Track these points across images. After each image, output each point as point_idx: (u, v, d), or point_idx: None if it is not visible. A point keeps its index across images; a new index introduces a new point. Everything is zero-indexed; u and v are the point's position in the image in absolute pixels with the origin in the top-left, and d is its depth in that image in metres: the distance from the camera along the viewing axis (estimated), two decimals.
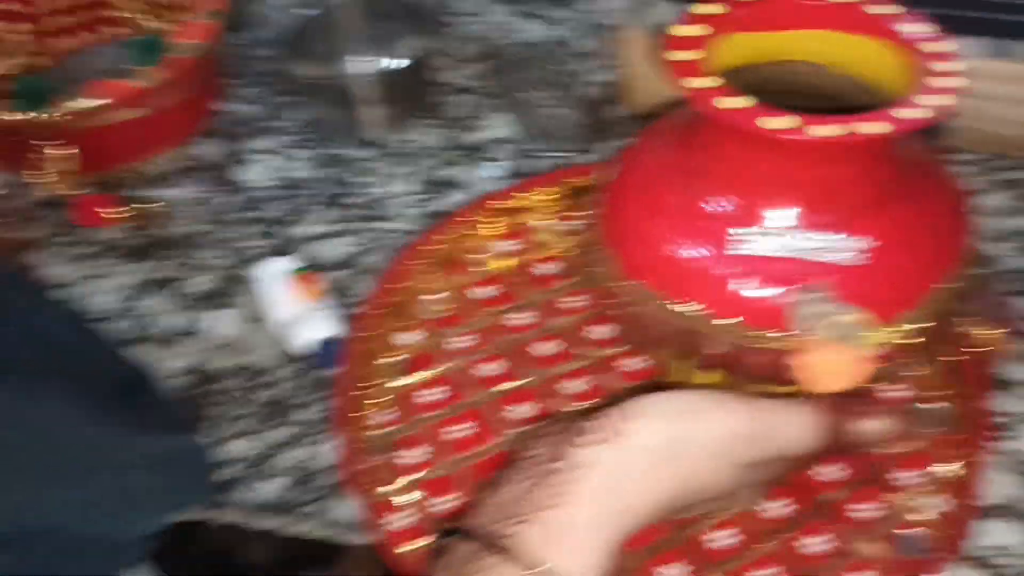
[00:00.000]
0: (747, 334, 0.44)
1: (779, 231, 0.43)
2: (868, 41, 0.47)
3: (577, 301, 0.61)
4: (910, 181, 0.45)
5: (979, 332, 0.56)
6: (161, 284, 0.65)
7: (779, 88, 0.51)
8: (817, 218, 0.43)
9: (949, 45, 0.44)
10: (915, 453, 0.53)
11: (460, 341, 0.59)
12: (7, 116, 0.64)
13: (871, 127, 0.40)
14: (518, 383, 0.57)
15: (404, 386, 0.57)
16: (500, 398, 0.56)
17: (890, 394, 0.55)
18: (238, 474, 0.54)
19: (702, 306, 0.45)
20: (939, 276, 0.45)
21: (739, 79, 0.50)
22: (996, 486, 0.52)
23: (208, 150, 0.75)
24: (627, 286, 0.48)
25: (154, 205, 0.69)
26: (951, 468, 0.52)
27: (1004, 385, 0.56)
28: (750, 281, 0.44)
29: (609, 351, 0.58)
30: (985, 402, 0.54)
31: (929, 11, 0.61)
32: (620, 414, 0.40)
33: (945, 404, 0.54)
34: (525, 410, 0.56)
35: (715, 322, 0.44)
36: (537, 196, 0.65)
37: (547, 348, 0.59)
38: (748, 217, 0.44)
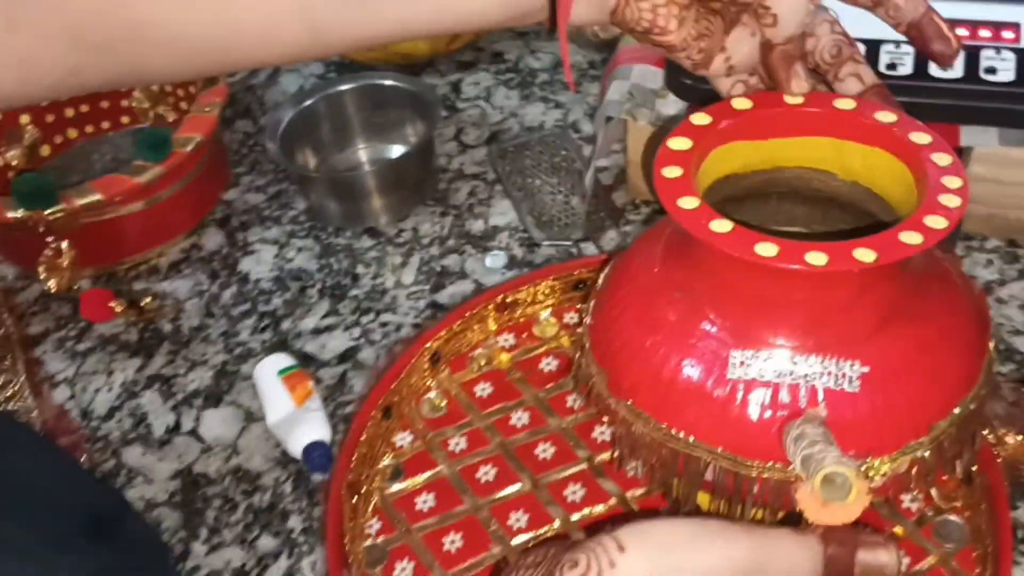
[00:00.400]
0: (743, 462, 0.42)
1: (776, 355, 0.41)
2: (872, 150, 0.45)
3: (577, 400, 0.59)
4: (917, 297, 0.43)
5: (1004, 437, 0.54)
6: (156, 381, 0.64)
7: (789, 193, 0.50)
8: (816, 342, 0.41)
9: (950, 159, 0.42)
10: (935, 571, 0.50)
11: (454, 443, 0.58)
12: (9, 214, 0.64)
13: (864, 255, 0.38)
14: (514, 489, 0.55)
15: (396, 492, 0.56)
16: (494, 506, 0.54)
17: (904, 506, 0.52)
18: None
19: (692, 430, 0.43)
20: (953, 398, 0.42)
21: (743, 184, 0.48)
22: None
23: (212, 240, 0.75)
24: (615, 403, 0.46)
25: (154, 300, 0.68)
26: None
27: None
28: (746, 407, 0.42)
29: (610, 454, 0.56)
30: (1008, 514, 0.51)
31: (936, 102, 0.59)
32: (614, 543, 0.38)
33: (963, 517, 0.52)
34: (521, 518, 0.54)
35: (708, 447, 0.43)
36: (538, 288, 0.63)
37: (545, 451, 0.57)
38: (744, 340, 0.42)
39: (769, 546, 0.39)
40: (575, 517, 0.53)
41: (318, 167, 0.79)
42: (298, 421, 0.57)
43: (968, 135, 0.63)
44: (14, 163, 0.74)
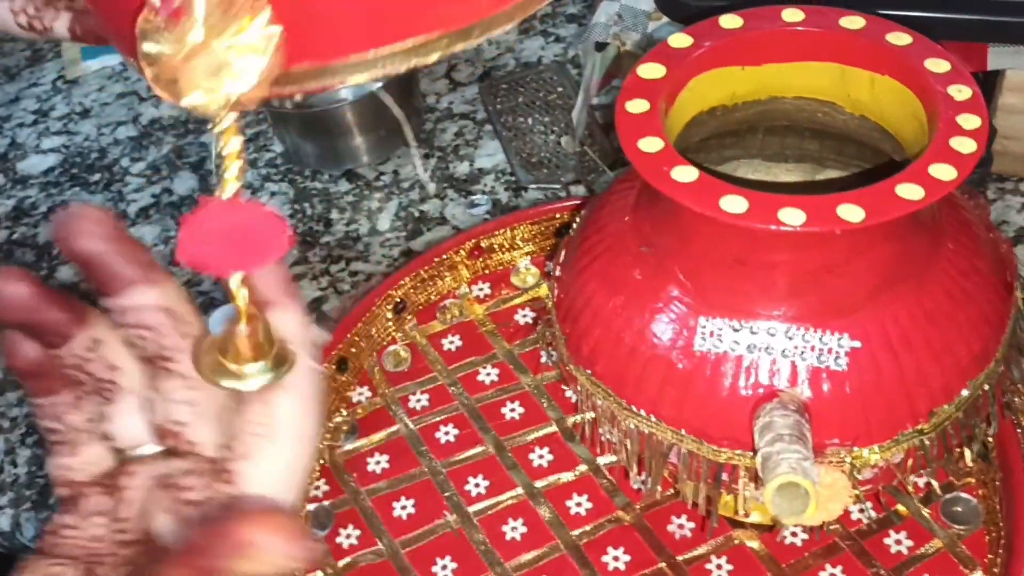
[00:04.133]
0: (710, 447, 0.36)
1: (751, 326, 0.35)
2: (881, 78, 0.38)
3: (552, 354, 0.53)
4: (923, 255, 0.36)
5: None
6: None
7: (794, 127, 0.43)
8: (797, 311, 0.35)
9: (970, 92, 0.34)
10: (940, 555, 0.44)
11: (415, 400, 0.53)
12: None
13: (850, 213, 0.31)
14: (475, 451, 0.50)
15: (348, 452, 0.51)
16: (452, 469, 0.50)
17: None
18: None
19: (655, 408, 0.37)
20: (961, 377, 0.36)
21: (734, 118, 0.41)
22: None
23: (184, 184, 0.69)
24: (575, 370, 0.40)
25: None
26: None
27: None
28: (716, 383, 0.36)
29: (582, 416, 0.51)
30: None
31: (958, 16, 0.50)
32: None
33: (976, 495, 0.46)
34: (481, 484, 0.49)
35: (671, 428, 0.37)
36: (516, 232, 0.57)
37: (512, 410, 0.52)
38: (715, 306, 0.36)
39: None
40: (539, 484, 0.48)
41: (295, 103, 0.73)
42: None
43: (997, 57, 0.54)
44: None
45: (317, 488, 0.50)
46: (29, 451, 0.54)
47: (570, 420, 0.50)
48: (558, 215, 0.56)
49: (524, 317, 0.56)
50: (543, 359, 0.53)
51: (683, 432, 0.36)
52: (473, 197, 0.65)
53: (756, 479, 0.35)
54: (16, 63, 0.83)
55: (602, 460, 0.49)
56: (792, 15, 0.39)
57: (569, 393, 0.51)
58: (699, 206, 0.32)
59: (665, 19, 0.59)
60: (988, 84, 0.55)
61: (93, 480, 0.26)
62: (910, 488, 0.38)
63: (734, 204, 0.32)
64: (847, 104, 0.40)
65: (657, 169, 0.34)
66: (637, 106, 0.36)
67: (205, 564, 0.22)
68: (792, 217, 0.31)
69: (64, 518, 0.26)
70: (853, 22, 0.38)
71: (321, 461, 0.50)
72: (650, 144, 0.34)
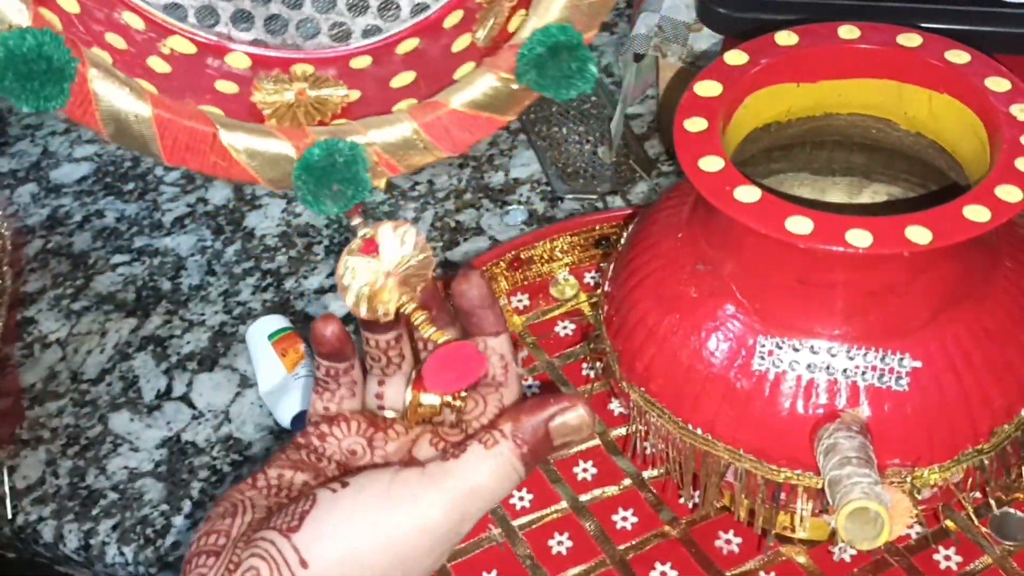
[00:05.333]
0: (769, 467, 0.36)
1: (812, 345, 0.35)
2: (940, 96, 0.38)
3: (593, 368, 0.53)
4: (985, 275, 0.36)
5: None
6: (151, 342, 0.60)
7: (844, 141, 0.43)
8: (859, 331, 0.35)
9: None
10: (990, 570, 0.44)
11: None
12: None
13: (918, 235, 0.31)
14: None
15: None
16: None
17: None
18: None
19: (712, 427, 0.37)
20: (1022, 397, 0.36)
21: (787, 134, 0.41)
22: None
23: (218, 194, 0.70)
24: (628, 387, 0.40)
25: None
26: None
27: None
28: (775, 403, 0.36)
29: (624, 430, 0.51)
30: None
31: (1010, 31, 0.49)
32: (295, 555, 0.31)
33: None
34: (525, 497, 0.49)
35: (729, 447, 0.37)
36: (556, 244, 0.57)
37: None
38: (775, 325, 0.36)
39: (463, 488, 0.33)
40: (584, 498, 0.48)
41: None
42: (288, 388, 0.53)
43: None
44: None
45: None
46: (71, 462, 0.54)
47: (613, 433, 0.50)
48: (598, 227, 0.56)
49: (564, 329, 0.55)
50: (585, 371, 0.53)
51: (741, 452, 0.36)
52: (509, 207, 0.65)
53: (815, 499, 0.35)
54: None
55: (647, 474, 0.49)
56: (848, 32, 0.38)
57: (612, 406, 0.52)
58: (764, 227, 0.32)
59: (706, 31, 0.59)
60: None
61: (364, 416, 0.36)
62: (968, 506, 0.38)
63: (800, 225, 0.32)
64: (903, 121, 0.39)
65: (719, 189, 0.33)
66: (695, 124, 0.36)
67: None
68: (859, 239, 0.31)
69: (333, 429, 0.35)
70: (911, 39, 0.38)
71: None
72: (711, 163, 0.34)
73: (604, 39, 0.76)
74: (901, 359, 0.34)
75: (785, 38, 0.39)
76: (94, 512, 0.52)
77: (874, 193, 0.47)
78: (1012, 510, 0.45)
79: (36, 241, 0.68)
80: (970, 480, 0.36)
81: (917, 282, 0.34)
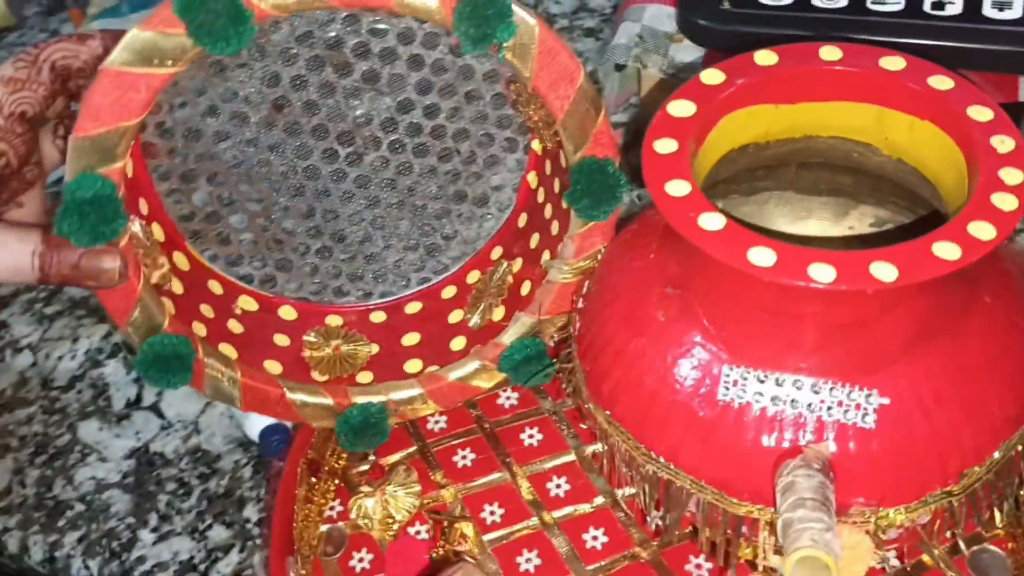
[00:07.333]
0: (730, 500, 0.35)
1: (777, 377, 0.34)
2: (921, 123, 0.36)
3: (568, 384, 0.52)
4: (959, 309, 0.35)
5: None
6: (123, 349, 0.59)
7: (816, 163, 0.42)
8: (825, 364, 0.34)
9: (1013, 144, 0.33)
10: None
11: (433, 420, 0.52)
12: None
13: (883, 272, 0.30)
14: (492, 477, 0.50)
15: (363, 473, 0.51)
16: (468, 495, 0.49)
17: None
18: None
19: (674, 456, 0.36)
20: (994, 438, 0.35)
21: (767, 155, 0.40)
22: None
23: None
24: (594, 409, 0.40)
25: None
26: None
27: None
28: (738, 435, 0.35)
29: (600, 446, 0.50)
30: None
31: (989, 47, 0.48)
32: None
33: (1006, 549, 0.44)
34: (496, 512, 0.48)
35: (690, 478, 0.36)
36: None
37: (531, 436, 0.51)
38: (741, 355, 0.35)
39: None
40: (557, 514, 0.48)
41: None
42: None
43: None
44: None
45: (332, 509, 0.49)
46: (38, 471, 0.53)
47: (588, 449, 0.50)
48: None
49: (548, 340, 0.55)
50: (565, 386, 0.52)
51: (703, 483, 0.35)
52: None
53: (776, 537, 0.34)
54: None
55: (620, 492, 0.48)
56: (830, 53, 0.37)
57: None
58: (726, 257, 0.31)
59: (687, 42, 0.57)
60: (1017, 114, 0.54)
61: None
62: (935, 550, 0.37)
63: (762, 257, 0.31)
64: (884, 146, 0.38)
65: (683, 215, 0.33)
66: (665, 145, 0.35)
67: None
68: (822, 273, 0.30)
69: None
70: (894, 63, 0.36)
71: (336, 481, 0.50)
72: (677, 188, 0.33)
73: (588, 44, 0.74)
74: (868, 395, 0.33)
75: (764, 58, 0.38)
76: (60, 523, 0.51)
77: (861, 215, 0.46)
78: (990, 547, 0.44)
79: None
80: (938, 522, 0.35)
81: (887, 317, 0.33)
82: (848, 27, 0.49)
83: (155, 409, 0.56)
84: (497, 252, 0.50)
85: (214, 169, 0.44)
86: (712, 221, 0.32)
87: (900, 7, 0.49)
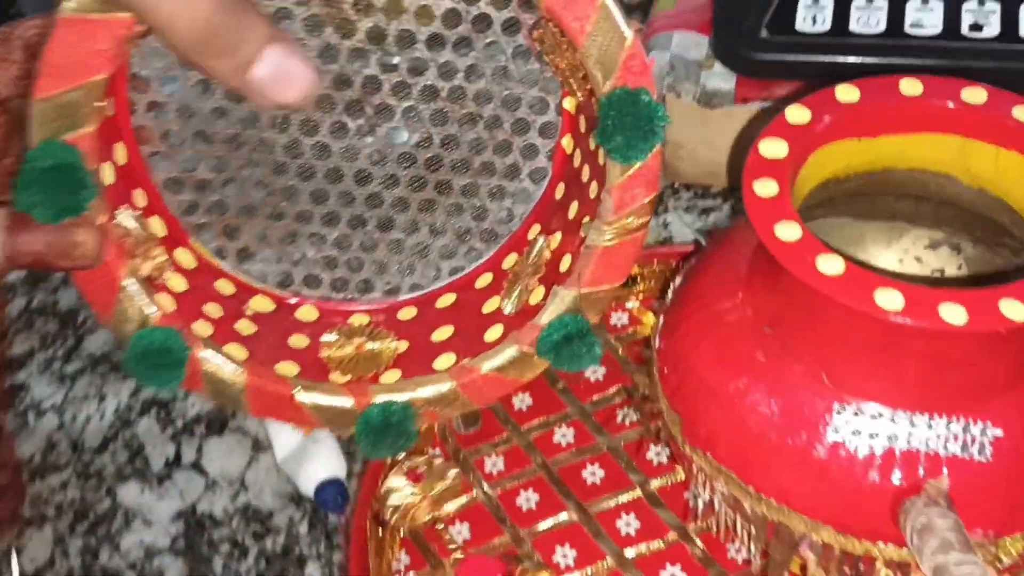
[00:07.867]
0: (848, 538, 0.35)
1: (889, 413, 0.34)
2: (1008, 154, 0.37)
3: (628, 415, 0.52)
4: None
5: None
6: (153, 406, 0.57)
7: (902, 195, 0.42)
8: (938, 399, 0.34)
9: None
10: None
11: (491, 463, 0.51)
12: None
13: (1015, 312, 0.30)
14: (559, 518, 0.49)
15: (427, 522, 0.49)
16: (537, 538, 0.48)
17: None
18: None
19: (785, 497, 0.36)
20: None
21: (843, 188, 0.41)
22: None
23: None
24: (692, 451, 0.39)
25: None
26: None
27: None
28: (852, 474, 0.35)
29: (668, 479, 0.49)
30: None
31: None
32: None
33: None
34: (568, 553, 0.48)
35: (804, 518, 0.36)
36: None
37: (593, 474, 0.50)
38: (849, 391, 0.35)
39: None
40: (630, 554, 0.47)
41: None
42: (307, 455, 0.50)
43: None
44: None
45: (398, 561, 0.48)
46: (81, 540, 0.51)
47: (654, 484, 0.49)
48: None
49: (594, 374, 0.54)
50: (620, 419, 0.52)
51: (819, 523, 0.35)
52: None
53: (895, 571, 0.35)
54: None
55: (692, 527, 0.48)
56: (911, 87, 0.38)
57: (650, 455, 0.50)
58: (853, 301, 0.31)
59: (717, 68, 0.57)
60: None
61: None
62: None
63: (890, 300, 0.31)
64: (965, 177, 0.39)
65: (801, 260, 0.32)
66: (765, 188, 0.35)
67: None
68: (954, 315, 0.30)
69: None
70: (976, 95, 0.37)
71: (400, 532, 0.49)
72: (787, 231, 0.33)
73: None
74: (983, 428, 0.34)
75: (846, 93, 0.38)
76: None
77: (915, 238, 0.47)
78: None
79: (18, 300, 0.63)
80: None
81: (1002, 350, 0.33)
82: (886, 51, 0.50)
83: (197, 467, 0.54)
84: (535, 230, 0.45)
85: (214, 152, 0.40)
86: (831, 265, 0.32)
87: (938, 30, 0.50)
